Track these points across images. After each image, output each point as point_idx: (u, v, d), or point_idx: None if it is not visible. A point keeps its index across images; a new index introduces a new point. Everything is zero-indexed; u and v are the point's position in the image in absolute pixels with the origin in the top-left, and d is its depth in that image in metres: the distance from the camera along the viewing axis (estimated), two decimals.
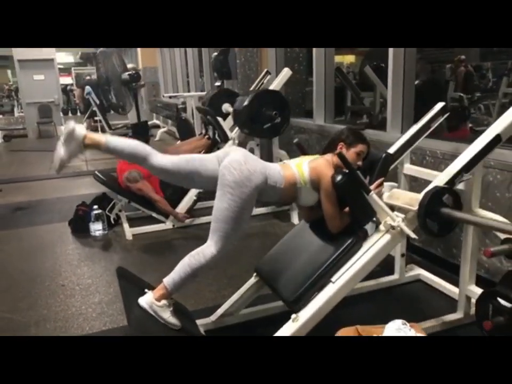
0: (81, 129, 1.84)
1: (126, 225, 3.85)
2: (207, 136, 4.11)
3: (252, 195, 1.89)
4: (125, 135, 4.39)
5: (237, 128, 3.93)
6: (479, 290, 2.15)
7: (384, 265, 2.87)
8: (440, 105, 2.55)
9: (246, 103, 3.51)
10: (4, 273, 3.18)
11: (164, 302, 1.91)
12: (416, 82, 4.02)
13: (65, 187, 5.69)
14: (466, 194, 2.12)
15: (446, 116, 2.56)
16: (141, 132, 6.01)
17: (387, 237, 1.94)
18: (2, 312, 2.60)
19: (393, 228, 1.91)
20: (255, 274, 2.29)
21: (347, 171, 1.92)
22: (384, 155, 2.17)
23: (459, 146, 2.74)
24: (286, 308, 2.03)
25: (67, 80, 17.12)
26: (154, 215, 3.90)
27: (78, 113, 12.53)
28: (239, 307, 2.38)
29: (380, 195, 2.06)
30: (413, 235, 1.88)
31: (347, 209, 2.03)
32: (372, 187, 2.00)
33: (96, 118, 9.00)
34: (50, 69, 10.56)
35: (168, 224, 3.91)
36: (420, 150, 3.04)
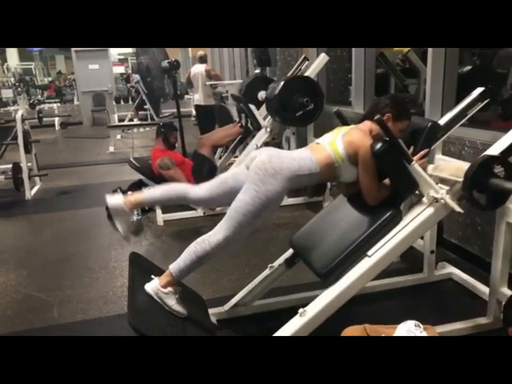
0: (117, 199, 1.96)
1: (158, 211, 3.90)
2: (239, 124, 4.07)
3: (278, 193, 1.83)
4: (171, 124, 4.40)
5: (269, 117, 3.85)
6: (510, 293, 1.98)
7: (413, 261, 2.74)
8: (479, 90, 2.34)
9: (276, 91, 3.43)
10: (41, 253, 3.33)
11: (169, 289, 1.90)
12: (467, 68, 3.77)
13: (110, 173, 5.88)
14: None
15: (485, 102, 2.35)
16: (206, 119, 6.06)
17: (430, 210, 1.79)
18: (31, 290, 2.72)
19: (436, 200, 1.76)
20: (291, 251, 2.21)
21: (387, 139, 1.79)
22: (430, 124, 1.97)
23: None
24: (300, 302, 1.96)
25: (120, 69, 17.70)
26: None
27: (130, 102, 12.87)
28: (253, 298, 2.34)
29: (424, 167, 1.90)
30: (458, 208, 1.72)
31: (386, 180, 1.91)
32: (415, 158, 1.86)
33: (145, 107, 9.20)
34: (105, 58, 10.90)
35: (199, 212, 3.93)
36: (458, 140, 2.84)
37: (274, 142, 4.23)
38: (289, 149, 4.22)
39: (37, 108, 10.87)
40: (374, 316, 2.23)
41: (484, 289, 2.36)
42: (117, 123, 9.16)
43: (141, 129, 9.24)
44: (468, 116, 2.36)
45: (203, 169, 3.99)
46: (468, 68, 3.83)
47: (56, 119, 10.59)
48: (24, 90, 15.37)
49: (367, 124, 1.96)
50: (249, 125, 3.96)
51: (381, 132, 1.88)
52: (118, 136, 8.41)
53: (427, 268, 2.59)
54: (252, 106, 3.92)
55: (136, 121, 9.61)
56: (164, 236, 3.57)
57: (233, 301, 2.32)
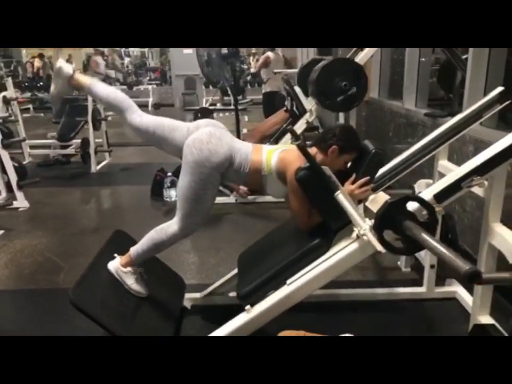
0: (68, 68, 1.97)
1: None
2: (285, 109, 4.02)
3: (211, 176, 1.82)
4: (206, 108, 4.52)
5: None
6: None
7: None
8: (498, 90, 2.05)
9: (316, 73, 3.30)
10: (78, 222, 3.65)
11: (129, 269, 1.99)
12: None
13: None
14: (485, 203, 1.72)
15: (505, 104, 2.06)
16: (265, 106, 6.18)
17: (353, 246, 1.70)
18: (52, 254, 3.01)
19: (362, 235, 1.65)
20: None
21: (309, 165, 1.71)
22: (374, 151, 1.79)
23: None
24: None
25: None
26: (220, 188, 4.00)
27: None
28: (231, 288, 2.34)
29: (365, 196, 1.81)
30: (379, 247, 1.58)
31: None
32: (352, 186, 1.76)
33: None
34: None
35: (231, 198, 3.99)
36: (478, 142, 2.54)
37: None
38: None
39: (134, 88, 11.77)
40: (352, 324, 2.14)
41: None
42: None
43: (226, 114, 9.51)
44: (483, 119, 2.10)
45: None
46: None
47: (150, 99, 11.33)
48: (132, 72, 16.68)
49: (312, 150, 1.86)
50: (294, 108, 3.88)
51: (325, 161, 1.80)
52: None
53: (426, 283, 2.36)
54: (297, 89, 3.82)
55: (219, 106, 9.93)
56: None
57: (210, 288, 2.35)
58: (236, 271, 2.26)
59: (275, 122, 4.32)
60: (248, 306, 1.79)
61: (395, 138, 4.14)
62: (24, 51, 16.60)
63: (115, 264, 1.99)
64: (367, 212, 1.99)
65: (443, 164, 2.14)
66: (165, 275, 2.32)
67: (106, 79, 9.94)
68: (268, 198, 3.73)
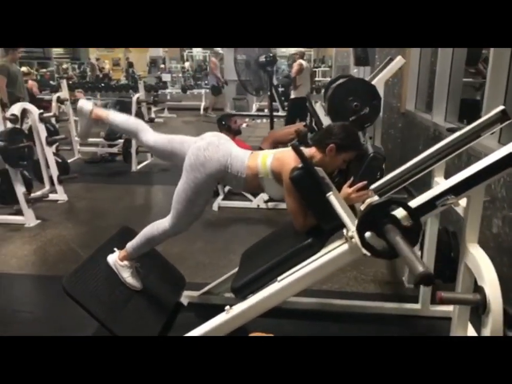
0: (88, 106, 2.17)
1: (219, 198, 4.18)
2: (304, 123, 4.07)
3: (204, 181, 1.92)
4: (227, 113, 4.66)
5: None
6: None
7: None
8: (498, 109, 2.00)
9: (330, 92, 3.36)
10: (108, 217, 3.90)
11: (125, 262, 2.14)
12: None
13: None
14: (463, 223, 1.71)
15: (506, 123, 2.01)
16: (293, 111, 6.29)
17: (343, 247, 1.72)
18: (76, 245, 3.26)
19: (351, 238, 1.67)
20: None
21: (303, 166, 1.76)
22: (372, 155, 1.83)
23: None
24: None
25: None
26: (243, 192, 4.11)
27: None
28: (226, 290, 2.44)
29: (362, 200, 1.82)
30: (363, 250, 1.59)
31: None
32: (350, 189, 1.81)
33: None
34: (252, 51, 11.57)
35: (253, 203, 4.09)
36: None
37: None
38: None
39: (188, 92, 12.17)
40: (337, 332, 2.17)
41: None
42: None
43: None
44: (481, 138, 2.06)
45: None
46: None
47: (202, 103, 11.69)
48: (191, 76, 17.23)
49: (311, 150, 1.91)
50: (313, 124, 3.94)
51: (324, 160, 1.84)
52: (244, 125, 8.96)
53: (421, 300, 2.33)
54: (317, 105, 3.88)
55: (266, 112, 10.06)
56: (212, 220, 3.83)
57: (206, 288, 2.46)
58: (235, 271, 2.36)
59: (291, 132, 4.36)
60: (227, 307, 1.88)
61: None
62: (92, 53, 17.65)
63: (113, 257, 2.16)
64: None
65: (438, 181, 2.12)
66: (165, 271, 2.46)
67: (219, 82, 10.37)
68: None
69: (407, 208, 1.51)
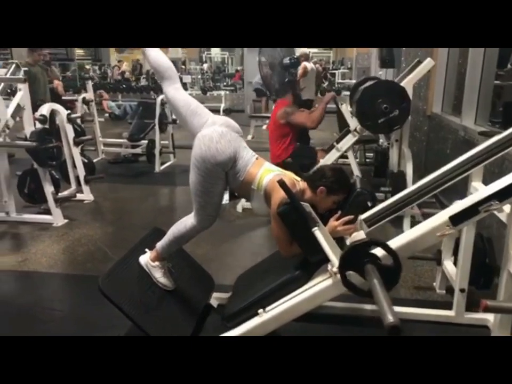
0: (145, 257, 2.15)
1: (243, 199, 4.17)
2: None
3: (216, 172, 1.89)
4: None
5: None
6: None
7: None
8: None
9: (358, 94, 3.33)
10: (133, 217, 3.93)
11: (157, 263, 2.14)
12: None
13: None
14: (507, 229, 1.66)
15: None
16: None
17: (327, 282, 1.72)
18: (104, 245, 3.28)
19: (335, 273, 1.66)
20: None
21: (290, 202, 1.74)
22: (356, 192, 1.87)
23: None
24: None
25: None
26: None
27: None
28: None
29: (347, 234, 1.84)
30: (344, 289, 1.63)
31: None
32: (336, 222, 1.82)
33: None
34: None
35: None
36: None
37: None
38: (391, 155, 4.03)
39: (208, 93, 12.23)
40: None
41: None
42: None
43: None
44: None
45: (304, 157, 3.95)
46: None
47: (222, 105, 11.73)
48: (210, 78, 17.33)
49: (304, 184, 1.92)
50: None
51: (314, 199, 1.87)
52: (264, 127, 8.95)
53: (455, 307, 2.28)
54: (343, 107, 3.85)
55: None
56: (234, 221, 3.84)
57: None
58: None
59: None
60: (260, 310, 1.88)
61: (452, 157, 3.98)
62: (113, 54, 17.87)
63: (145, 258, 2.16)
64: None
65: (476, 186, 2.07)
66: (194, 272, 2.46)
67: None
68: None
69: (386, 248, 1.53)
